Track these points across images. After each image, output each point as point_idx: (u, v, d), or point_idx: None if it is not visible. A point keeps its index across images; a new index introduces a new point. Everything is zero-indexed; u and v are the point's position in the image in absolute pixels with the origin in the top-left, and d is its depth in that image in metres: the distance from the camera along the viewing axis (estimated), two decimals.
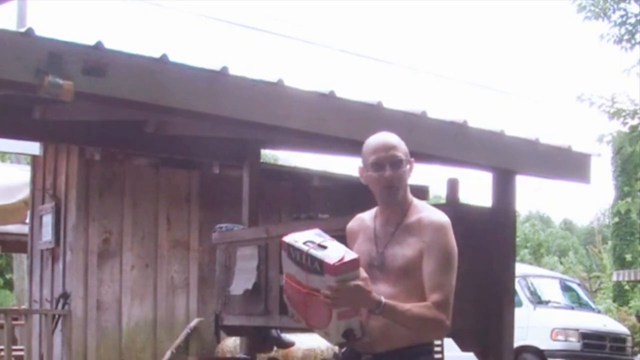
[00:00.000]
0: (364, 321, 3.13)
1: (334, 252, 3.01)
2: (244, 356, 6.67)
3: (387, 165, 3.23)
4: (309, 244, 3.04)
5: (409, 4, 71.18)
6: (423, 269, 3.17)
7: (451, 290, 3.15)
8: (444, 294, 3.13)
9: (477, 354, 5.19)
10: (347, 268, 2.99)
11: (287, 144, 7.38)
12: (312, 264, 3.00)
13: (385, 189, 3.25)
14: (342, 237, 4.87)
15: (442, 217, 3.24)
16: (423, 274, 3.17)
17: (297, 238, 3.08)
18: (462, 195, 4.94)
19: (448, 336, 5.30)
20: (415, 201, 3.33)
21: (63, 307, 8.08)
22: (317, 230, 3.14)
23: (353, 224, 3.47)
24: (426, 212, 3.27)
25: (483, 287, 4.97)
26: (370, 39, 61.46)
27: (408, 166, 3.27)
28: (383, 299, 3.06)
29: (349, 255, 3.02)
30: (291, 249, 3.06)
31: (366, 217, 3.41)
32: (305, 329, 6.29)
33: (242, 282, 5.96)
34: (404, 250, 3.22)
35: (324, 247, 3.03)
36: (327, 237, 3.09)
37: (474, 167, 5.32)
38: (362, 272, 3.07)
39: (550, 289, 14.53)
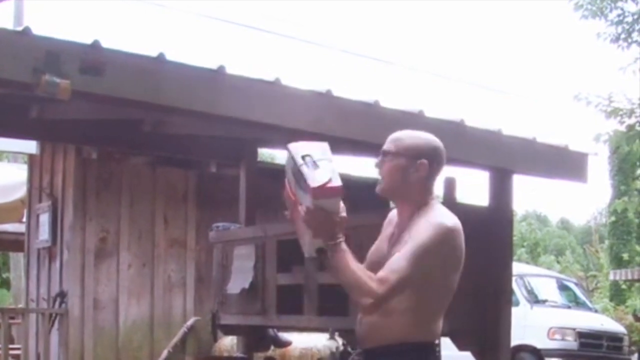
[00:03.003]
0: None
1: (321, 175, 3.00)
2: (241, 355, 6.66)
3: (380, 156, 3.21)
4: (306, 158, 3.04)
5: (409, 4, 71.21)
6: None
7: (403, 279, 3.00)
8: (394, 277, 2.99)
9: (474, 353, 5.19)
10: (326, 193, 2.99)
11: (284, 143, 7.36)
12: (300, 179, 3.03)
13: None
14: None
15: (443, 219, 3.13)
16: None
17: (301, 149, 3.08)
18: (459, 195, 4.93)
19: (446, 335, 5.31)
20: (433, 203, 3.21)
21: (60, 306, 8.08)
22: (324, 145, 3.12)
23: (389, 217, 3.39)
24: (433, 213, 3.15)
25: (480, 286, 4.97)
26: (371, 39, 61.49)
27: (399, 162, 3.16)
28: (343, 244, 3.01)
29: (334, 182, 3.00)
30: (290, 157, 3.08)
31: (394, 215, 3.34)
32: (302, 329, 6.31)
33: (239, 281, 5.96)
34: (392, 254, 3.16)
35: (317, 167, 3.02)
36: (329, 156, 3.07)
37: (471, 166, 5.33)
38: (342, 206, 3.04)
39: (547, 288, 14.53)
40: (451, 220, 3.16)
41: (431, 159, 3.16)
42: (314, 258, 3.19)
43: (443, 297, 3.23)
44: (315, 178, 2.99)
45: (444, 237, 3.10)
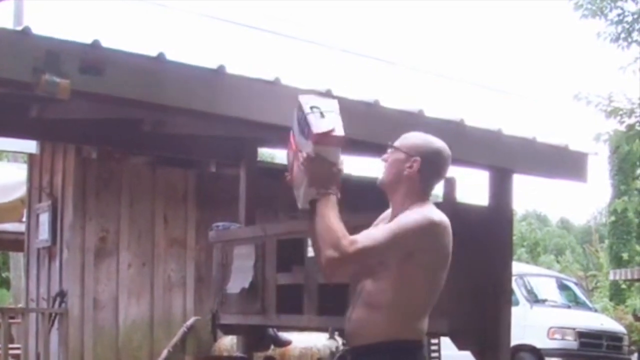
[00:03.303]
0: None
1: (326, 124, 3.07)
2: (241, 355, 6.67)
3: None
4: (314, 109, 3.10)
5: (409, 4, 71.21)
6: None
7: (375, 249, 3.03)
8: (366, 243, 3.01)
9: (473, 353, 5.19)
10: (327, 141, 3.06)
11: (284, 143, 7.37)
12: (304, 126, 3.11)
13: None
14: None
15: (430, 213, 3.19)
16: None
17: (311, 100, 3.15)
18: (459, 194, 4.93)
19: (445, 335, 5.31)
20: (425, 203, 3.27)
21: (60, 305, 8.08)
22: (334, 101, 3.19)
23: (383, 214, 3.45)
24: (422, 209, 3.22)
25: (480, 286, 4.97)
26: (371, 39, 61.49)
27: (399, 156, 3.27)
28: (333, 197, 3.08)
29: (337, 132, 3.06)
30: (299, 107, 3.15)
31: (388, 213, 3.40)
32: (302, 328, 6.31)
33: (238, 280, 5.96)
34: None
35: (323, 117, 3.09)
36: (336, 110, 3.13)
37: (471, 165, 5.33)
38: (341, 159, 3.12)
39: (547, 288, 14.53)
40: (439, 216, 3.21)
41: (425, 159, 3.26)
42: (306, 210, 3.21)
43: (429, 294, 3.25)
44: (319, 126, 3.05)
45: (429, 228, 3.15)
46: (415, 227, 3.12)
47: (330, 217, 3.06)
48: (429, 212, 3.20)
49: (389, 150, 3.33)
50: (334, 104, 3.16)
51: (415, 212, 3.17)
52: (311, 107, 3.10)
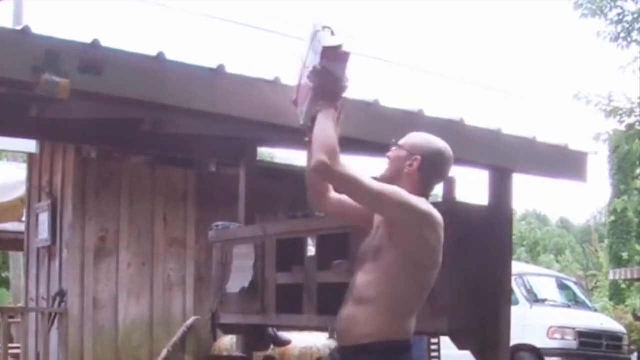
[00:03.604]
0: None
1: (335, 40, 3.21)
2: (241, 354, 6.66)
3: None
4: (325, 28, 3.26)
5: (409, 4, 71.21)
6: None
7: (361, 183, 3.11)
8: (356, 174, 3.11)
9: (473, 353, 5.18)
10: (335, 56, 3.20)
11: (284, 142, 7.38)
12: (314, 42, 3.26)
13: None
14: (339, 235, 4.89)
15: (429, 207, 3.26)
16: None
17: (324, 22, 3.31)
18: (459, 194, 4.93)
19: (445, 334, 5.31)
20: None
21: (59, 305, 8.07)
22: (347, 29, 3.32)
23: None
24: None
25: (479, 286, 4.96)
26: (371, 38, 61.49)
27: (401, 153, 3.35)
28: (334, 110, 3.21)
29: (346, 48, 3.20)
30: (312, 26, 3.32)
31: None
32: (302, 328, 6.30)
33: (238, 280, 5.95)
34: (373, 241, 3.31)
35: (333, 35, 3.24)
36: (348, 33, 3.27)
37: (470, 165, 5.32)
38: (347, 77, 3.26)
39: (546, 288, 14.53)
40: (435, 212, 3.27)
41: (426, 158, 3.33)
42: (309, 127, 3.32)
43: (419, 290, 3.27)
44: (329, 41, 3.21)
45: (425, 215, 3.21)
46: (410, 204, 3.17)
47: (330, 128, 3.17)
48: (428, 206, 3.26)
49: (393, 148, 3.39)
50: (347, 31, 3.29)
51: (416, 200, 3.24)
52: (323, 27, 3.25)
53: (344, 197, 3.43)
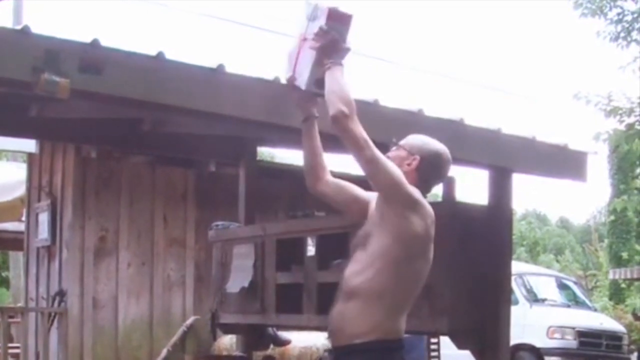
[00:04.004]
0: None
1: (336, 4, 3.42)
2: (240, 354, 6.66)
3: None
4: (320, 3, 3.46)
5: (409, 4, 71.22)
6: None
7: (370, 145, 3.20)
8: (369, 140, 3.21)
9: (473, 352, 5.19)
10: (338, 16, 3.40)
11: (284, 142, 7.38)
12: (314, 12, 3.43)
13: None
14: (339, 235, 4.89)
15: (416, 192, 3.31)
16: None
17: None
18: (459, 193, 4.93)
19: (445, 334, 5.31)
20: None
21: (59, 305, 8.07)
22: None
23: None
24: None
25: (479, 285, 4.97)
26: (371, 38, 61.44)
27: (401, 153, 3.42)
28: (341, 67, 3.33)
29: (346, 10, 3.42)
30: (307, 4, 3.50)
31: None
32: (301, 327, 6.30)
33: (238, 280, 5.96)
34: (365, 228, 3.37)
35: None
36: (346, 14, 3.44)
37: (470, 165, 5.32)
38: (349, 41, 3.41)
39: (546, 287, 14.52)
40: (427, 205, 3.33)
41: (425, 159, 3.41)
42: (314, 93, 3.47)
43: (407, 283, 3.27)
44: (330, 5, 3.41)
45: (414, 201, 3.26)
46: (403, 184, 3.24)
47: (344, 82, 3.30)
48: (421, 197, 3.32)
49: (393, 148, 3.45)
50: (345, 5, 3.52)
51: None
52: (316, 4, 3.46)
53: (342, 182, 3.59)
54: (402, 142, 3.46)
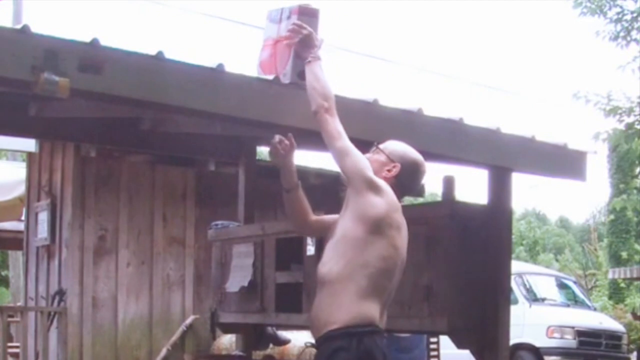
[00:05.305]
0: None
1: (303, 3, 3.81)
2: (240, 353, 6.67)
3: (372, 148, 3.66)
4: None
5: (409, 3, 71.22)
6: None
7: (344, 141, 3.41)
8: (342, 131, 3.43)
9: (472, 352, 5.19)
10: (308, 11, 3.79)
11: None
12: (282, 13, 3.85)
13: None
14: None
15: (381, 182, 3.42)
16: None
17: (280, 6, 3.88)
18: (458, 193, 4.94)
19: (444, 333, 5.31)
20: None
21: (59, 304, 8.07)
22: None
23: None
24: None
25: (479, 285, 4.97)
26: (371, 37, 61.45)
27: (377, 155, 3.53)
28: (319, 61, 3.62)
29: (313, 5, 3.81)
30: (272, 12, 3.91)
31: None
32: (301, 327, 6.30)
33: (237, 279, 5.96)
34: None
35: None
36: (314, 9, 3.85)
37: (470, 164, 5.32)
38: (320, 37, 3.72)
39: (546, 287, 14.54)
40: (390, 192, 3.39)
41: (405, 167, 3.51)
42: (298, 83, 3.81)
43: (372, 270, 3.28)
44: (300, 2, 3.81)
45: (376, 185, 3.35)
46: (367, 172, 3.36)
47: (324, 77, 3.57)
48: (385, 185, 3.40)
49: (372, 149, 3.56)
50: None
51: None
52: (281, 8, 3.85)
53: (323, 218, 3.77)
54: (382, 147, 3.55)
